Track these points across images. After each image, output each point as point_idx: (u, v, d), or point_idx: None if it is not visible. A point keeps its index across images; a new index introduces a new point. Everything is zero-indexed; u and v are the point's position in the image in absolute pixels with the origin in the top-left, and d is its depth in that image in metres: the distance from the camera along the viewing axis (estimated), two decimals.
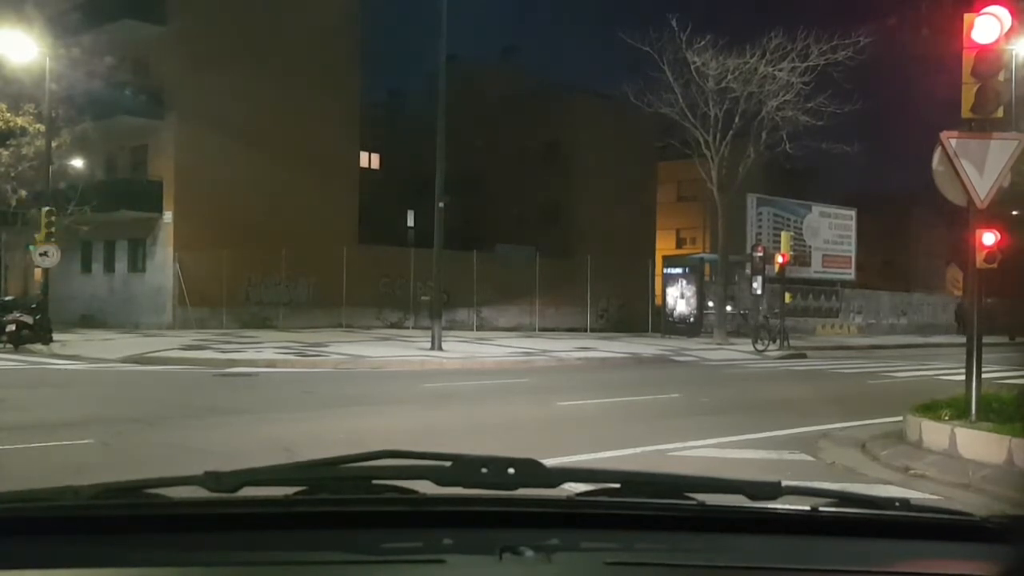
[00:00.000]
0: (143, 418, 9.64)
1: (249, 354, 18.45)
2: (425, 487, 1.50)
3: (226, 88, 29.02)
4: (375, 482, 1.54)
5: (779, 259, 25.68)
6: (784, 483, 1.61)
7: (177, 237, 29.79)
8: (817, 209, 36.04)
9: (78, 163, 29.89)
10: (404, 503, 1.53)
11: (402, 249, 34.81)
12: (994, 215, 8.36)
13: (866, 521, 1.56)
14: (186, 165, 29.69)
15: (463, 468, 1.47)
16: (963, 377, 8.33)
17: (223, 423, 9.42)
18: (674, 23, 25.56)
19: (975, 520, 1.58)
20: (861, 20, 28.46)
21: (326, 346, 20.77)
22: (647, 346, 24.68)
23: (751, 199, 32.89)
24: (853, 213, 37.34)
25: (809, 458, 7.82)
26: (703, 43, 25.69)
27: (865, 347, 29.13)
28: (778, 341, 24.14)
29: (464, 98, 34.70)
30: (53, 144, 24.00)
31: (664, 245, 48.05)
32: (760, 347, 23.65)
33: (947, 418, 7.85)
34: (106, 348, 19.61)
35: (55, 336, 20.46)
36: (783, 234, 27.43)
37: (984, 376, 8.24)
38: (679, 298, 31.85)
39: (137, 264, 31.61)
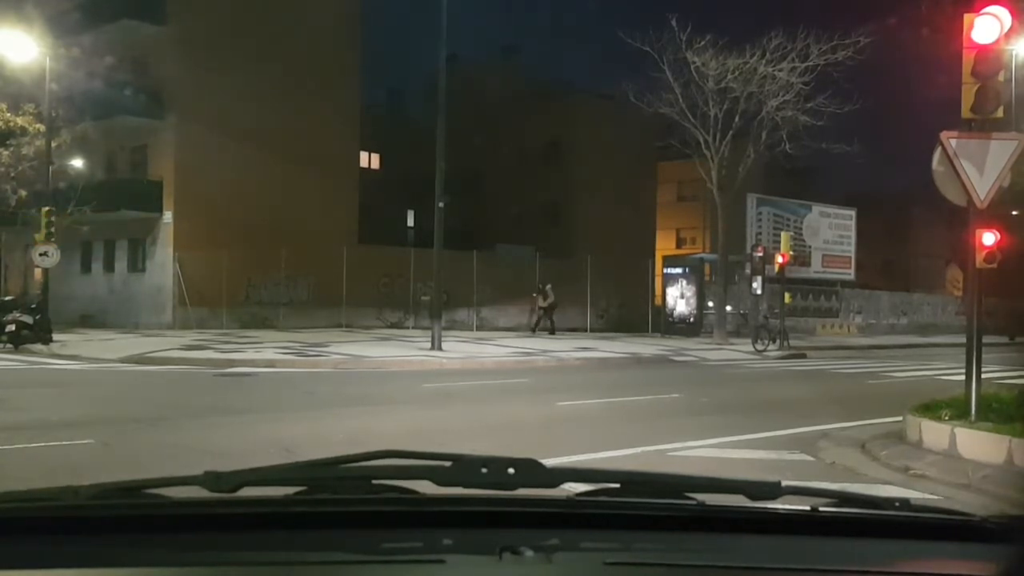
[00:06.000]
0: (143, 418, 9.64)
1: (249, 354, 18.45)
2: (425, 487, 1.50)
3: (226, 88, 29.03)
4: (375, 482, 1.54)
5: (779, 259, 25.68)
6: (784, 483, 1.61)
7: (177, 237, 29.80)
8: (817, 209, 36.01)
9: (78, 163, 29.90)
10: (404, 503, 1.53)
11: (402, 249, 34.80)
12: (994, 215, 8.36)
13: (866, 521, 1.56)
14: (186, 165, 29.70)
15: (463, 468, 1.48)
16: (963, 377, 8.33)
17: (223, 423, 9.42)
18: (674, 23, 25.60)
19: (975, 520, 1.58)
20: (861, 20, 28.46)
21: (326, 346, 20.77)
22: (647, 346, 24.68)
23: (751, 199, 32.87)
24: (853, 213, 37.32)
25: (809, 458, 7.82)
26: (703, 43, 25.71)
27: (865, 347, 29.12)
28: (778, 341, 24.13)
29: (464, 98, 34.69)
30: (53, 144, 24.01)
31: (664, 245, 48.05)
32: (760, 347, 23.65)
33: (947, 418, 7.85)
34: (106, 348, 19.61)
35: (55, 336, 20.46)
36: (783, 234, 27.42)
37: (984, 376, 8.25)
38: (679, 298, 31.84)
39: (137, 264, 31.62)
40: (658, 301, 34.21)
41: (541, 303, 29.49)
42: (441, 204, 19.92)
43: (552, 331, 28.86)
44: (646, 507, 1.55)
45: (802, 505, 1.56)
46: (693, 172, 30.53)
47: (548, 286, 29.37)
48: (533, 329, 29.37)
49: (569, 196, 42.96)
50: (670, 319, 31.85)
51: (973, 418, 7.76)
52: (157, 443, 8.13)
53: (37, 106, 24.81)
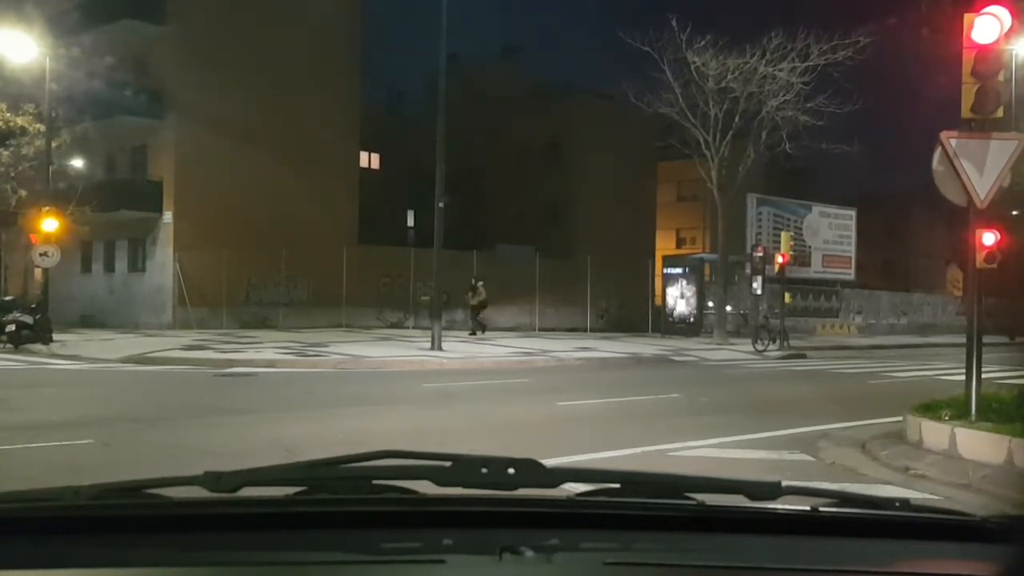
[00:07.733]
0: (143, 418, 9.64)
1: (249, 354, 18.45)
2: (425, 487, 1.50)
3: (226, 88, 29.01)
4: (375, 482, 1.54)
5: (779, 259, 25.69)
6: (784, 483, 1.61)
7: (177, 237, 29.80)
8: (817, 209, 36.01)
9: (78, 163, 29.91)
10: (404, 503, 1.53)
11: (402, 249, 34.80)
12: (994, 215, 8.37)
13: (866, 521, 1.56)
14: (186, 165, 29.70)
15: (463, 468, 1.48)
16: (963, 377, 8.33)
17: (223, 423, 9.42)
18: (674, 23, 25.62)
19: (975, 520, 1.58)
20: (861, 20, 28.48)
21: (326, 346, 20.77)
22: (647, 346, 24.68)
23: (751, 199, 32.87)
24: (853, 213, 37.32)
25: (809, 458, 7.82)
26: (703, 43, 25.72)
27: (865, 347, 29.12)
28: (778, 341, 24.13)
29: (464, 98, 34.70)
30: (53, 144, 24.00)
31: (664, 245, 48.06)
32: (760, 347, 23.64)
33: (947, 418, 7.85)
34: (106, 348, 19.61)
35: (55, 336, 20.45)
36: (783, 234, 27.43)
37: (984, 376, 8.25)
38: (679, 298, 31.83)
39: (137, 264, 31.62)
40: (658, 301, 34.20)
41: (472, 301, 27.37)
42: (441, 204, 19.92)
43: (479, 330, 26.77)
44: (646, 507, 1.55)
45: (802, 505, 1.56)
46: (693, 172, 30.54)
47: (480, 283, 27.42)
48: (472, 332, 26.95)
49: (569, 196, 42.98)
50: (670, 319, 31.85)
51: (973, 418, 7.76)
52: (157, 443, 8.13)
53: (37, 106, 24.81)
